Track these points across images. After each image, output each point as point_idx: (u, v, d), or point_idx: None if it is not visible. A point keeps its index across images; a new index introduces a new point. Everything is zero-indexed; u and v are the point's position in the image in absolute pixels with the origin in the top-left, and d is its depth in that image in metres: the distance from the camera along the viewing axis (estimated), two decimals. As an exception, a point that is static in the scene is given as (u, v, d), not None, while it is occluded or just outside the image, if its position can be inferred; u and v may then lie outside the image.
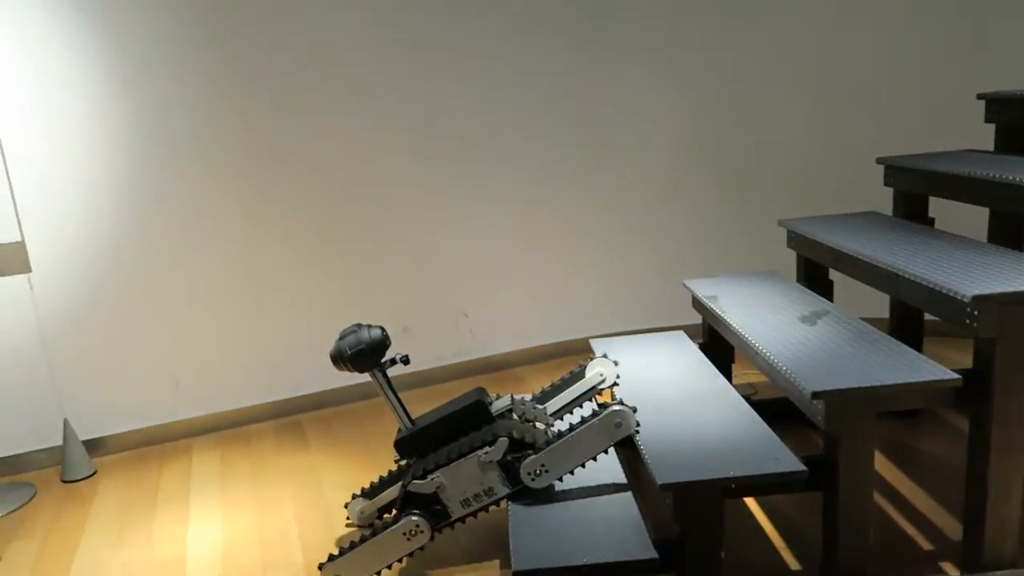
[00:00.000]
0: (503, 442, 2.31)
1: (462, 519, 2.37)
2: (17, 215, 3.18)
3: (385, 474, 2.81)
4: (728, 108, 4.05)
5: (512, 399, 2.50)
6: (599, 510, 2.19)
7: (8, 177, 3.13)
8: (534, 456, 2.29)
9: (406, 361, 2.46)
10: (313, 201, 3.64)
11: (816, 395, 1.98)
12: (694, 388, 2.55)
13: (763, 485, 2.07)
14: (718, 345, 3.09)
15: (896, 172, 3.08)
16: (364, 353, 2.43)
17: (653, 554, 1.96)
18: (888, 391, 1.99)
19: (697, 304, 3.09)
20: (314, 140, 3.59)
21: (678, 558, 2.06)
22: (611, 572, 2.18)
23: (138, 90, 3.28)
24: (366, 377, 3.87)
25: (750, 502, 2.67)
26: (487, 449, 2.32)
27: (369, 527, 2.70)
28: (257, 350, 3.68)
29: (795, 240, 3.11)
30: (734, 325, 2.59)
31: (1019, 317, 1.98)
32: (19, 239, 3.19)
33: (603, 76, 3.99)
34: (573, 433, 2.27)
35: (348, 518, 2.76)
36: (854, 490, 2.03)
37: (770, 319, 2.61)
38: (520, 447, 2.32)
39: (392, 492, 2.69)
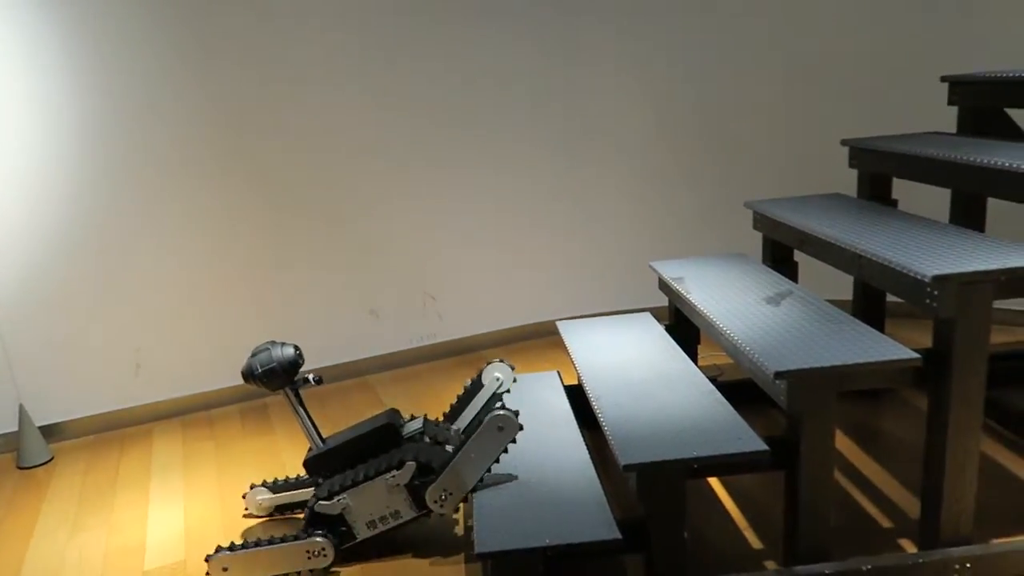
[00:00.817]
0: (410, 466, 2.32)
1: (367, 541, 2.39)
2: (-33, 194, 3.08)
3: (297, 476, 2.75)
4: (695, 91, 4.04)
5: (424, 421, 2.51)
6: (563, 492, 2.18)
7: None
8: (434, 484, 2.30)
9: (319, 381, 2.45)
10: (274, 183, 3.58)
11: (779, 375, 1.99)
12: (659, 369, 2.55)
13: (726, 465, 2.08)
14: (684, 327, 3.10)
15: (860, 154, 3.09)
16: (275, 372, 2.41)
17: (617, 535, 1.96)
18: (849, 371, 2.00)
19: (663, 286, 3.09)
20: (275, 120, 3.52)
21: (642, 539, 2.07)
22: (574, 553, 2.18)
23: (92, 64, 3.18)
24: (331, 361, 3.84)
25: (715, 484, 2.69)
26: (394, 472, 2.33)
27: (269, 516, 2.68)
28: (221, 333, 3.61)
29: (761, 221, 3.12)
30: (699, 306, 2.59)
31: (978, 297, 1.99)
32: (-31, 219, 3.09)
33: (571, 59, 3.96)
34: (460, 453, 2.27)
35: (246, 508, 2.71)
36: (815, 469, 2.05)
37: (735, 300, 2.61)
38: (428, 471, 2.33)
39: (297, 495, 2.66)
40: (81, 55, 3.16)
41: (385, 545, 2.46)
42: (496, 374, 2.63)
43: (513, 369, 2.62)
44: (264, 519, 2.68)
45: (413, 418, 2.57)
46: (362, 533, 2.38)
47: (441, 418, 2.68)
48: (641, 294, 4.23)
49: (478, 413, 2.61)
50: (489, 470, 2.30)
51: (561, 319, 3.34)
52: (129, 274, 3.40)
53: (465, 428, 2.57)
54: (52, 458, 3.27)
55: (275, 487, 2.67)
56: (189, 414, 3.61)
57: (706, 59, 3.99)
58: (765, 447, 1.97)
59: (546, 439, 2.50)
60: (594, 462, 2.35)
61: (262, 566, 2.31)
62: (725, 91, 4.02)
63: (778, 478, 2.65)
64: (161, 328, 3.50)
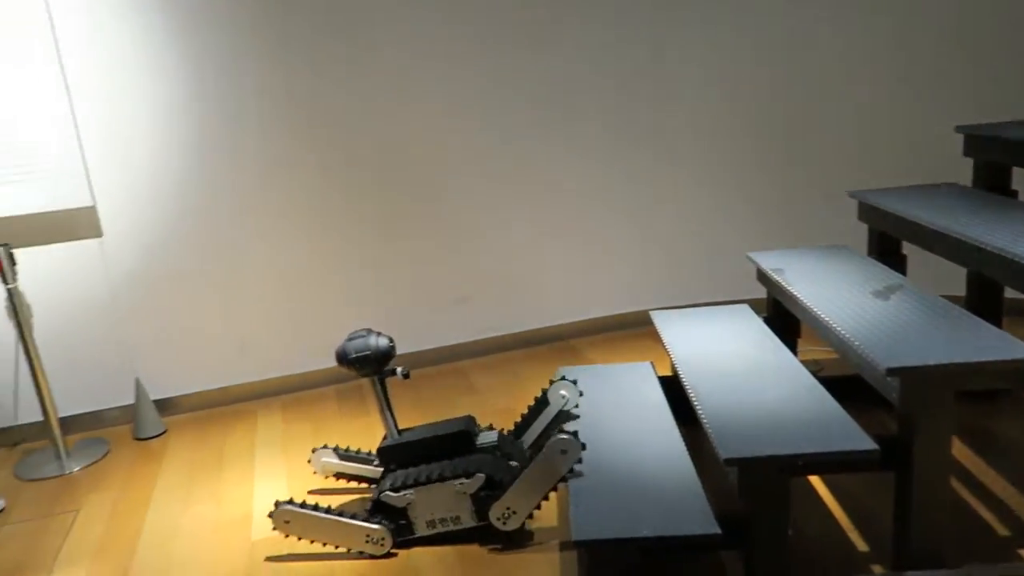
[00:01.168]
0: (479, 478, 2.36)
1: (424, 539, 2.43)
2: (89, 181, 3.26)
3: (372, 451, 2.80)
4: (800, 74, 3.90)
5: (499, 436, 2.53)
6: (659, 483, 2.16)
7: (80, 144, 3.21)
8: (498, 501, 2.34)
9: (407, 375, 2.50)
10: (370, 176, 3.65)
11: (891, 371, 1.91)
12: (759, 362, 2.49)
13: (832, 463, 2.02)
14: (783, 320, 3.02)
15: (977, 142, 2.93)
16: (368, 360, 2.47)
17: (716, 529, 1.93)
18: (969, 369, 1.90)
19: (762, 277, 3.01)
20: (369, 115, 3.59)
21: (742, 535, 2.03)
22: (673, 545, 2.16)
23: (209, 58, 3.32)
24: (423, 347, 3.92)
25: (816, 481, 2.61)
26: (464, 480, 2.37)
27: (337, 476, 2.77)
28: (318, 318, 3.73)
29: (867, 212, 2.99)
30: (802, 298, 2.51)
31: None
32: (91, 204, 3.28)
33: (660, 50, 3.88)
34: (524, 474, 2.32)
35: (309, 460, 2.79)
36: (929, 471, 1.96)
37: (841, 293, 2.52)
38: (494, 486, 2.37)
39: (360, 469, 2.73)
40: (194, 59, 3.30)
41: (471, 530, 2.50)
42: (562, 392, 2.66)
43: (576, 385, 2.66)
44: (339, 488, 2.78)
45: (490, 428, 2.61)
46: (420, 530, 2.44)
47: (513, 427, 2.73)
48: (737, 286, 4.13)
49: (544, 431, 2.65)
50: (555, 489, 2.34)
51: (654, 309, 3.30)
52: (235, 261, 3.55)
53: (531, 445, 2.62)
54: (165, 431, 3.46)
55: (341, 454, 2.75)
56: (289, 394, 3.75)
57: (812, 41, 3.84)
58: (875, 446, 1.90)
59: (640, 430, 2.48)
60: (690, 453, 2.32)
61: (321, 533, 2.39)
62: (832, 73, 3.86)
63: (883, 478, 2.56)
64: (264, 312, 3.65)
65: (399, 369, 2.52)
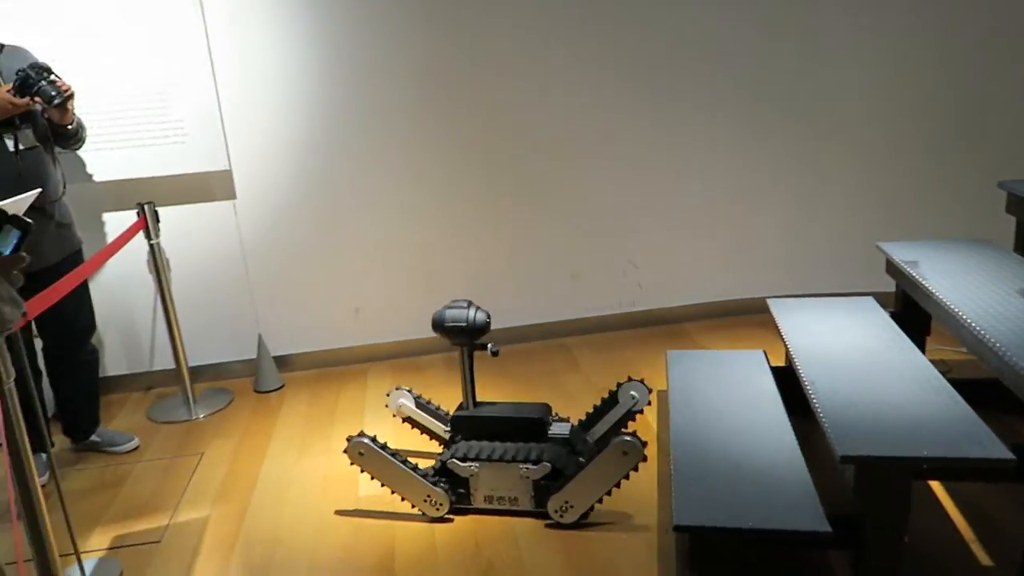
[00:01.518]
0: (545, 467, 2.40)
1: (477, 512, 2.48)
2: (226, 147, 3.44)
3: (452, 412, 2.78)
4: (945, 58, 3.63)
5: (572, 429, 2.54)
6: (768, 475, 2.09)
7: (220, 113, 3.39)
8: (558, 493, 2.36)
9: (495, 353, 2.51)
10: (486, 149, 3.67)
11: (1036, 378, 1.77)
12: (882, 358, 2.36)
13: (961, 470, 1.90)
14: (912, 316, 2.84)
15: None
16: (462, 330, 2.50)
17: (827, 528, 1.85)
18: None
19: (892, 269, 2.84)
20: (489, 89, 3.59)
21: (854, 536, 1.94)
22: (779, 540, 2.09)
23: (343, 25, 3.42)
24: (531, 321, 3.93)
25: (936, 487, 2.46)
26: (531, 466, 2.40)
27: (407, 420, 2.84)
28: (430, 286, 3.81)
29: (1017, 204, 2.77)
30: (937, 294, 2.36)
31: None
32: (227, 167, 3.47)
33: (802, 21, 3.69)
34: (585, 469, 2.34)
35: (387, 395, 2.83)
36: (1071, 487, 1.81)
37: (981, 290, 2.35)
38: (557, 477, 2.40)
39: (430, 423, 2.78)
40: (319, 28, 3.40)
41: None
42: (632, 392, 2.66)
43: (649, 390, 2.66)
44: (414, 431, 2.86)
45: (564, 420, 2.61)
46: (478, 503, 2.49)
47: (584, 417, 2.74)
48: (862, 278, 3.92)
49: (610, 429, 2.64)
50: (609, 492, 2.35)
51: (772, 296, 3.18)
52: (355, 230, 3.67)
53: (596, 442, 2.62)
54: (283, 386, 3.64)
55: (417, 400, 2.80)
56: (399, 359, 3.86)
57: (960, 25, 3.57)
58: (1011, 455, 1.76)
59: (750, 419, 2.40)
60: (801, 448, 2.23)
61: (386, 476, 2.47)
62: (979, 58, 3.58)
63: (1011, 489, 2.38)
64: (379, 279, 3.76)
65: (490, 345, 2.54)
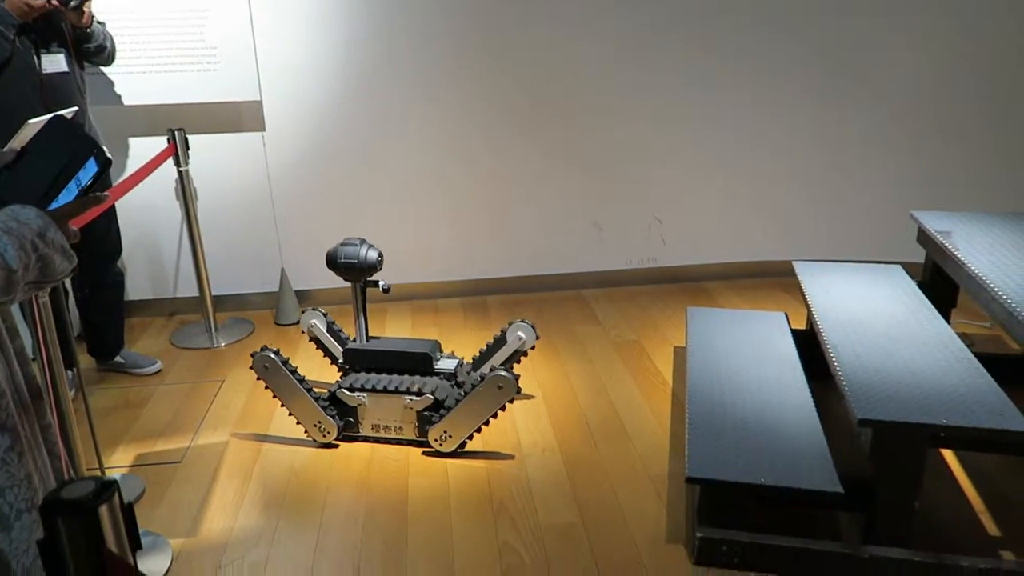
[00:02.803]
0: (427, 398, 2.49)
1: (365, 440, 2.58)
2: (259, 78, 3.41)
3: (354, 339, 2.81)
4: (999, 28, 3.52)
5: (458, 364, 2.62)
6: (784, 435, 2.11)
7: (254, 44, 3.35)
8: (438, 423, 2.45)
9: (387, 290, 2.60)
10: (516, 98, 3.62)
11: (1064, 353, 1.75)
12: (908, 327, 2.35)
13: (979, 440, 1.90)
14: (940, 286, 2.81)
15: None
16: (353, 267, 2.58)
17: (839, 488, 1.87)
18: None
19: (923, 238, 2.81)
20: (524, 42, 3.52)
21: (866, 498, 1.96)
22: (790, 498, 2.12)
23: (372, -39, 3.36)
24: (550, 271, 3.93)
25: (949, 457, 2.47)
26: (414, 398, 2.48)
27: (313, 340, 2.91)
28: (453, 231, 3.81)
29: (1058, 180, 2.70)
30: (969, 265, 2.33)
31: None
32: (258, 98, 3.45)
33: (852, -25, 3.58)
34: (462, 402, 2.43)
35: (303, 312, 2.87)
36: (1089, 464, 1.81)
37: (1014, 262, 2.32)
38: (439, 408, 2.49)
39: (333, 348, 2.84)
40: (363, -50, 3.34)
41: (583, 453, 2.54)
42: (520, 333, 2.74)
43: (537, 336, 2.74)
44: (320, 354, 2.93)
45: (452, 356, 2.68)
46: (365, 431, 2.60)
47: (471, 360, 2.83)
48: (891, 247, 3.87)
49: (498, 367, 2.67)
50: (487, 422, 2.44)
51: (797, 259, 3.16)
52: (380, 170, 3.65)
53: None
54: (303, 320, 3.67)
55: (330, 327, 2.85)
56: (418, 300, 3.89)
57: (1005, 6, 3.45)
58: (1031, 429, 1.76)
59: (769, 380, 2.41)
60: (818, 410, 2.24)
61: (285, 395, 2.55)
62: (1016, 33, 3.47)
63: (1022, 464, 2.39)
64: (402, 221, 3.75)
65: (381, 283, 2.62)
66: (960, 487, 2.32)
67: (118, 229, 3.05)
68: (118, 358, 3.15)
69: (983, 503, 2.24)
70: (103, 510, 0.77)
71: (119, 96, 3.34)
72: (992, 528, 2.13)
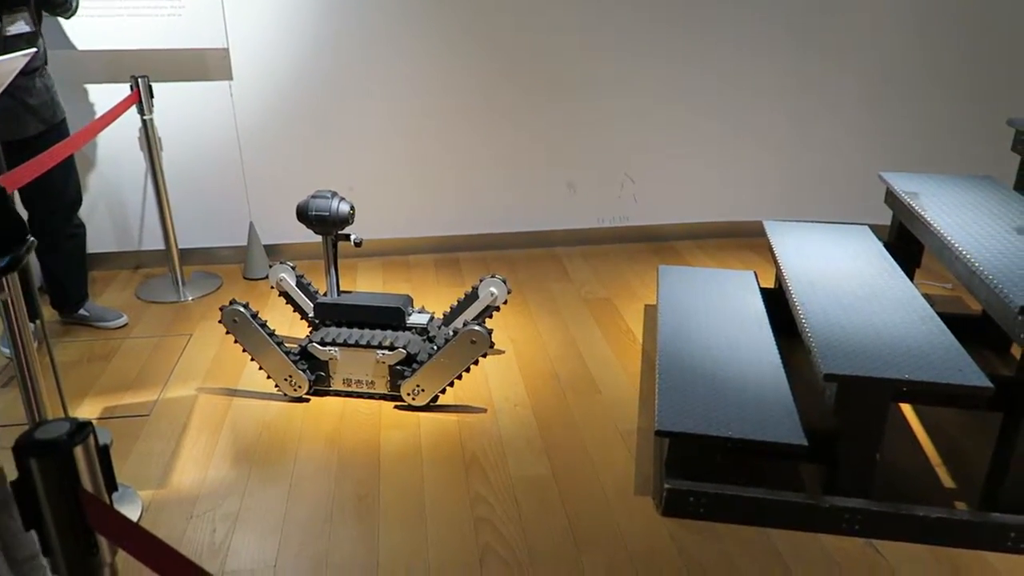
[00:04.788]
0: (399, 353, 2.49)
1: (336, 394, 2.60)
2: (225, 24, 3.31)
3: (325, 293, 2.80)
4: (970, -16, 3.54)
5: (430, 319, 2.62)
6: (751, 390, 2.15)
7: (218, -16, 3.25)
8: (410, 377, 2.46)
9: (359, 244, 2.58)
10: (495, 50, 3.57)
11: (1024, 311, 1.80)
12: (873, 285, 2.40)
13: (939, 394, 1.96)
14: (905, 247, 2.87)
15: None
16: (324, 220, 2.55)
17: (803, 441, 1.92)
18: (1112, 320, 1.78)
19: (891, 199, 2.85)
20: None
21: (829, 451, 2.01)
22: (756, 449, 2.17)
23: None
24: (523, 228, 3.92)
25: (908, 411, 2.54)
26: (386, 352, 2.49)
27: (283, 294, 2.85)
28: (424, 186, 3.77)
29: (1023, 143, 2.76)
30: (934, 225, 2.37)
31: None
32: (225, 46, 3.35)
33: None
34: (435, 356, 2.44)
35: (271, 266, 2.83)
36: (1042, 418, 1.87)
37: (978, 224, 2.37)
38: (411, 363, 2.49)
39: (303, 302, 2.82)
40: None
41: (554, 408, 2.56)
42: (492, 289, 2.75)
43: (509, 290, 2.75)
44: (290, 308, 2.90)
45: (423, 311, 2.67)
46: (336, 386, 2.60)
47: (442, 316, 2.84)
48: (858, 208, 3.94)
49: (469, 322, 2.70)
50: (460, 376, 2.46)
51: (766, 219, 3.19)
52: (353, 121, 3.58)
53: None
54: (272, 275, 3.63)
55: (299, 281, 2.82)
56: (388, 256, 3.86)
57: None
58: (989, 383, 1.82)
59: (737, 338, 2.45)
60: (784, 365, 2.29)
61: (255, 349, 2.53)
62: (1005, -11, 3.49)
63: (981, 419, 2.47)
64: (374, 174, 3.70)
65: (353, 236, 2.61)
66: (918, 441, 2.39)
67: (77, 179, 2.97)
68: (82, 311, 3.09)
69: (939, 456, 2.32)
70: (78, 451, 0.76)
71: (77, 41, 3.22)
72: (947, 480, 2.21)
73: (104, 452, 0.80)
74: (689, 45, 3.69)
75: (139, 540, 0.74)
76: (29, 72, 2.65)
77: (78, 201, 3.00)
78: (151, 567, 0.74)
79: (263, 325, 2.51)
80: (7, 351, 2.99)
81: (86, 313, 3.10)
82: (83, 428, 0.77)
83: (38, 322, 2.27)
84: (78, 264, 3.05)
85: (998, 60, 3.66)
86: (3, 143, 2.62)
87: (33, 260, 3.05)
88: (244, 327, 2.51)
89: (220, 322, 2.52)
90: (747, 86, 3.79)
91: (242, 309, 2.48)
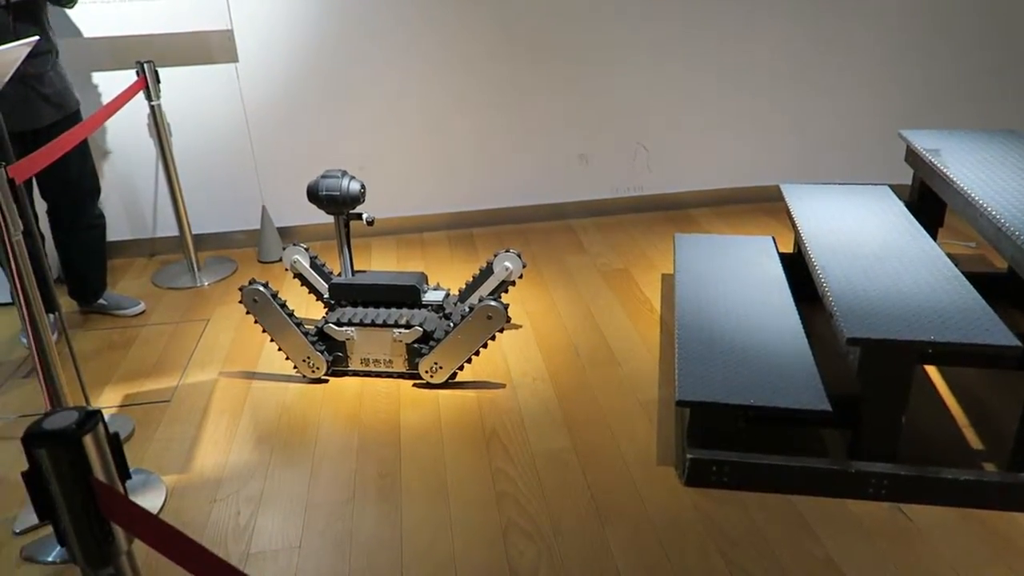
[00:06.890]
0: (416, 331, 2.48)
1: (355, 374, 2.58)
2: (228, 6, 3.28)
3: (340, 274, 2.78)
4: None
5: (446, 295, 2.59)
6: (772, 357, 2.12)
7: (219, -35, 3.21)
8: (428, 355, 2.44)
9: (371, 223, 2.57)
10: (505, 24, 3.51)
11: (1052, 266, 1.75)
12: (895, 246, 2.34)
13: (966, 355, 1.92)
14: (927, 206, 2.81)
15: None
16: (335, 200, 2.52)
17: (827, 407, 1.89)
18: None
19: (912, 157, 2.78)
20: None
21: (850, 416, 1.98)
22: (779, 417, 2.14)
23: None
24: (538, 201, 3.89)
25: (934, 373, 2.50)
26: (403, 330, 2.47)
27: (297, 276, 2.85)
28: (439, 162, 3.74)
29: (1048, 94, 2.67)
30: (957, 182, 2.31)
31: None
32: (228, 27, 3.32)
33: None
34: (452, 333, 2.42)
35: (285, 249, 2.82)
36: (1073, 375, 1.83)
37: (1002, 179, 2.30)
38: (428, 340, 2.49)
39: (317, 283, 2.81)
40: None
41: (573, 380, 2.55)
42: (507, 264, 2.72)
43: (521, 258, 2.70)
44: (304, 291, 2.89)
45: (438, 288, 2.64)
46: (354, 366, 2.58)
47: (458, 292, 2.80)
48: (877, 168, 3.86)
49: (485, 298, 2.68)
50: (477, 352, 2.43)
51: (784, 182, 3.13)
52: (363, 100, 3.55)
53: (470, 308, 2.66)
54: (287, 258, 3.63)
55: (313, 262, 2.81)
56: (403, 234, 3.84)
57: None
58: (1018, 342, 1.77)
59: (757, 304, 2.41)
60: (806, 331, 2.25)
61: (274, 329, 2.52)
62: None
63: (1009, 378, 2.42)
64: (386, 152, 3.67)
65: (365, 215, 2.58)
66: (944, 402, 2.35)
67: (94, 167, 2.97)
68: (101, 300, 3.11)
69: (966, 417, 2.28)
70: (88, 440, 0.75)
71: (82, 28, 3.21)
72: (975, 441, 2.18)
73: (115, 440, 0.79)
74: (701, 9, 3.61)
75: (153, 527, 0.73)
76: (39, 55, 2.63)
77: (96, 190, 3.00)
78: (165, 554, 0.73)
79: (283, 305, 2.51)
80: (26, 342, 3.01)
81: (104, 302, 3.11)
82: (91, 417, 0.76)
83: (56, 314, 2.27)
84: (98, 255, 3.06)
85: (1018, 12, 3.54)
86: (18, 133, 2.62)
87: (50, 250, 3.06)
88: (264, 307, 2.50)
89: (240, 302, 2.52)
90: (760, 47, 3.71)
91: (262, 289, 2.47)
